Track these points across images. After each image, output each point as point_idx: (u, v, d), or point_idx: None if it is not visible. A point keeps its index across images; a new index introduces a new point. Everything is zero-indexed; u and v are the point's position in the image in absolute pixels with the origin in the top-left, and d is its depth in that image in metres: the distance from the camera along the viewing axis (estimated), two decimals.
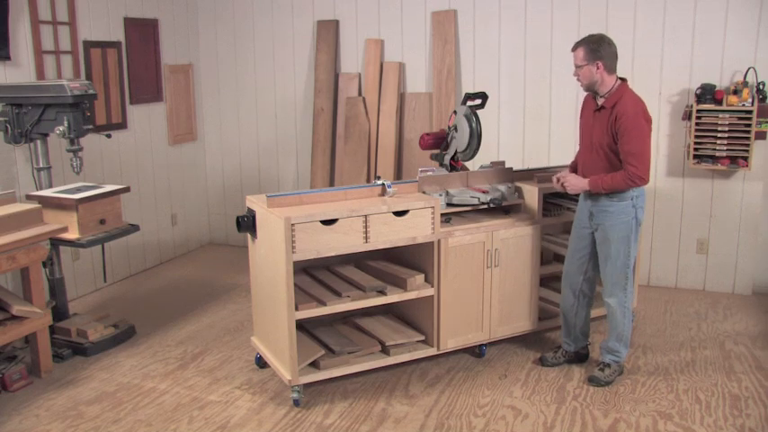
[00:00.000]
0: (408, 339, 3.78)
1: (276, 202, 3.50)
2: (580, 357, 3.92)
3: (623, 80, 3.51)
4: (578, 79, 3.50)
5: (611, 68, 3.43)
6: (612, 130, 3.41)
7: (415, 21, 5.56)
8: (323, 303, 3.49)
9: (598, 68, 3.40)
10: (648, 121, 3.44)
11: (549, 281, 4.45)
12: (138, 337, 4.39)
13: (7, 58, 4.39)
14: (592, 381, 3.67)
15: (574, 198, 4.20)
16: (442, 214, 3.76)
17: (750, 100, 4.58)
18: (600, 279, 3.72)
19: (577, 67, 3.45)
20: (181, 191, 6.20)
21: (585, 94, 3.65)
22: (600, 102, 3.50)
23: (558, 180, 3.68)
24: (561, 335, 3.94)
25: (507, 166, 4.28)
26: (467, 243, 3.74)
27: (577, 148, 3.76)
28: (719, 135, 4.68)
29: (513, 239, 3.89)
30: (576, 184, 3.59)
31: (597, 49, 3.38)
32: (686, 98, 4.90)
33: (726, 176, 4.91)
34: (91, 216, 3.97)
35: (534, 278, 4.02)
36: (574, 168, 3.76)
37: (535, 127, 5.34)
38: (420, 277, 3.73)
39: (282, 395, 3.59)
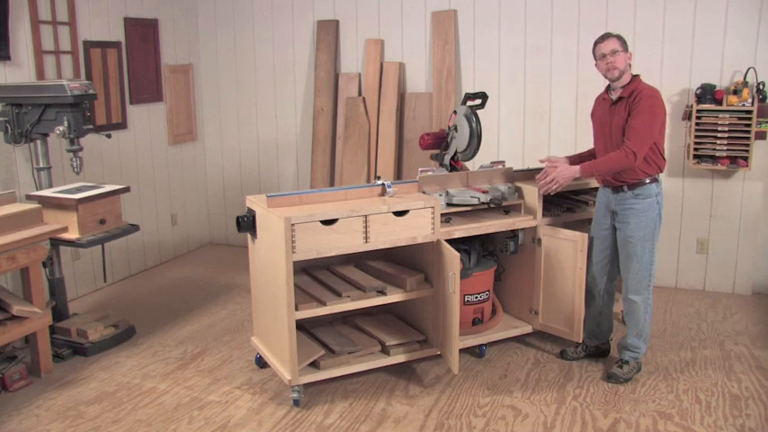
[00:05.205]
0: (408, 339, 3.78)
1: (276, 202, 3.50)
2: (601, 352, 3.91)
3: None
4: (607, 69, 3.51)
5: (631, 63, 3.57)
6: (629, 112, 3.47)
7: (415, 21, 5.56)
8: (323, 303, 3.49)
9: (629, 57, 3.54)
10: (663, 108, 3.50)
11: None
12: (138, 337, 4.39)
13: (7, 58, 4.39)
14: (611, 378, 3.66)
15: (574, 198, 4.21)
16: (442, 214, 3.76)
17: (750, 100, 4.58)
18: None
19: (614, 52, 3.49)
20: (181, 191, 6.20)
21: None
22: (617, 94, 3.55)
23: (548, 180, 3.64)
24: (583, 335, 3.87)
25: (507, 166, 4.28)
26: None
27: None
28: (719, 135, 4.67)
29: None
30: (565, 174, 3.58)
31: (625, 42, 3.55)
32: (686, 98, 4.90)
33: (726, 176, 4.91)
34: (91, 216, 3.97)
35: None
36: (576, 161, 3.76)
37: (535, 127, 5.34)
38: (420, 277, 3.73)
39: (282, 395, 3.59)
